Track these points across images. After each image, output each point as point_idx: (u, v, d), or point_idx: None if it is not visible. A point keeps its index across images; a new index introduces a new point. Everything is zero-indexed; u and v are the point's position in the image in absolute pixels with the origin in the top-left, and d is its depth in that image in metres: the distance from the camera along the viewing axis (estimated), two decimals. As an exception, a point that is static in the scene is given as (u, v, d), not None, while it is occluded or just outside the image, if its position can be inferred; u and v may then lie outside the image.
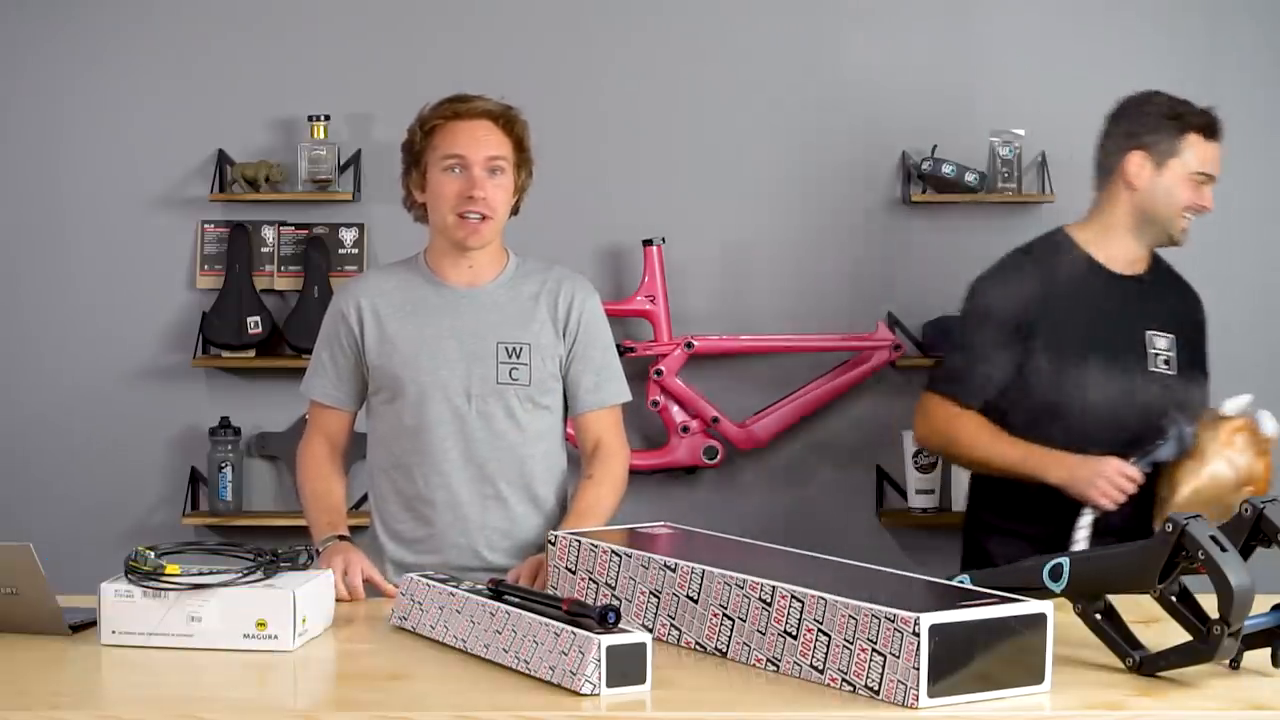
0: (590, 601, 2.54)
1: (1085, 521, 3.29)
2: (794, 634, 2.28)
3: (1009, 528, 3.45)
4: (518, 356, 3.13)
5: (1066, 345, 3.38)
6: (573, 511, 3.11)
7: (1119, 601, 2.38)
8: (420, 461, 3.12)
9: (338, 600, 2.75)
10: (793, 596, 2.29)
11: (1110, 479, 3.27)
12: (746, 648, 2.36)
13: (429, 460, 3.12)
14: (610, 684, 2.19)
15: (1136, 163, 3.41)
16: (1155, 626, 2.38)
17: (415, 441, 3.12)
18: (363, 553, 3.04)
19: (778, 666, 2.31)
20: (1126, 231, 3.45)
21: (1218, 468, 3.26)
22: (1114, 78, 4.69)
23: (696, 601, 2.44)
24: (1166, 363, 3.42)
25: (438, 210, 3.11)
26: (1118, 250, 3.46)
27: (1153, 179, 3.41)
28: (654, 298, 4.61)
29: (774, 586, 2.32)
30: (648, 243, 4.61)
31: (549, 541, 2.72)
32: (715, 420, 4.63)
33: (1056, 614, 2.23)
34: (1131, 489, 3.28)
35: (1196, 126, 3.41)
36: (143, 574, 2.46)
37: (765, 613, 2.33)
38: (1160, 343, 3.42)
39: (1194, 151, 3.40)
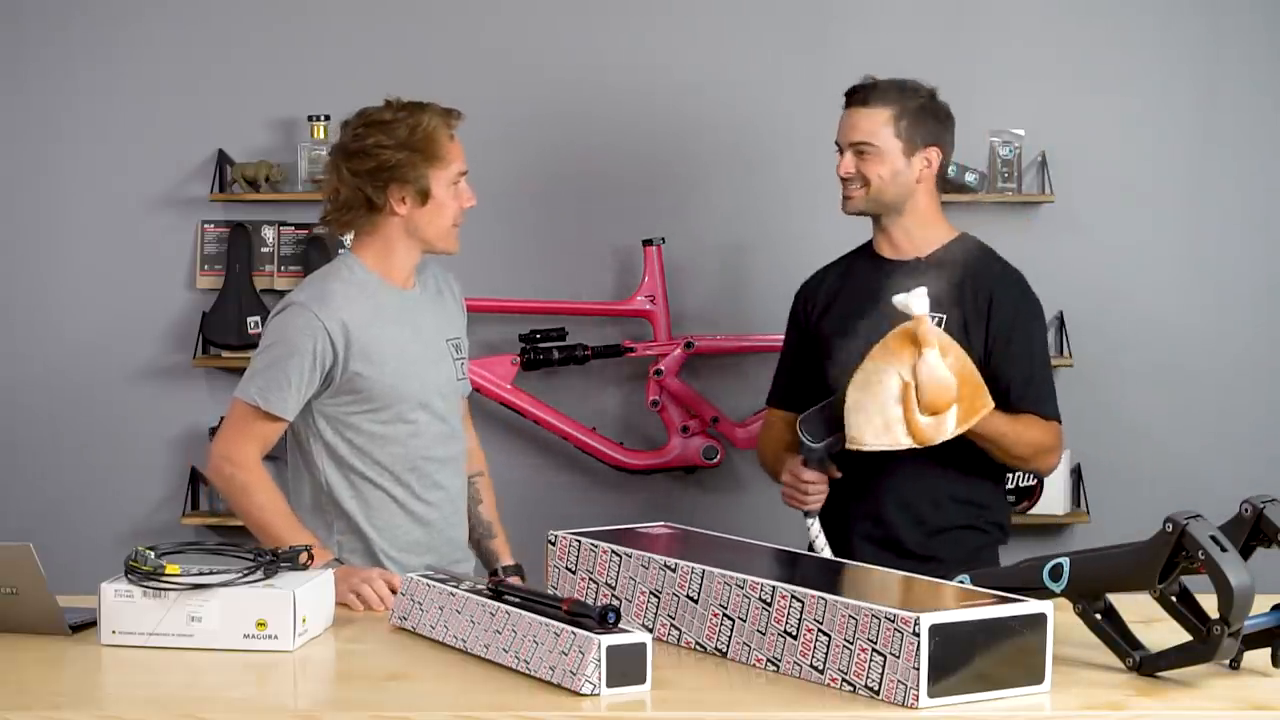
0: (590, 601, 2.53)
1: (810, 524, 3.24)
2: (794, 634, 2.28)
3: None
4: (460, 351, 3.26)
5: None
6: (495, 517, 3.37)
7: (1119, 601, 2.38)
8: (414, 466, 3.15)
9: (369, 609, 2.82)
10: (793, 596, 2.29)
11: (789, 483, 3.26)
12: (746, 648, 2.36)
13: (423, 464, 3.15)
14: (610, 684, 2.19)
15: None
16: (1155, 626, 2.38)
17: (407, 448, 3.13)
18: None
19: (778, 666, 2.31)
20: None
21: (884, 379, 3.01)
22: (1114, 78, 4.72)
23: (696, 601, 2.44)
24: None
25: (439, 224, 3.14)
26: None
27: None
28: (654, 298, 4.62)
29: (774, 586, 2.32)
30: (648, 243, 4.61)
31: (549, 541, 2.72)
32: (715, 420, 4.63)
33: (1056, 614, 2.23)
34: (811, 487, 3.20)
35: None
36: (143, 574, 2.46)
37: (765, 613, 2.33)
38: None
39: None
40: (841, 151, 3.31)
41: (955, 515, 3.28)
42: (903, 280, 3.19)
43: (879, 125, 3.27)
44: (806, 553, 2.65)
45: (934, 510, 3.27)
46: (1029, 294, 3.34)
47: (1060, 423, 3.30)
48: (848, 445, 3.08)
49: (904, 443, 3.02)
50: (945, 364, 2.99)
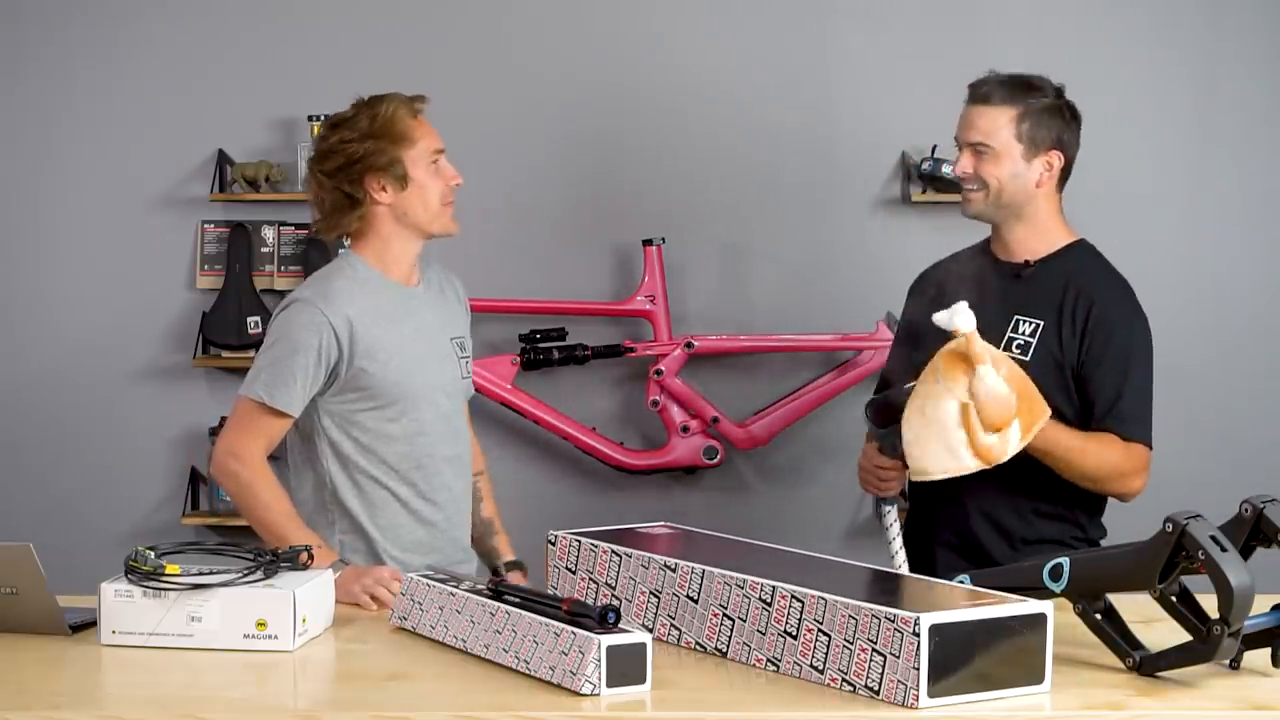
0: (590, 601, 2.53)
1: (886, 510, 3.14)
2: (794, 634, 2.28)
3: None
4: (464, 350, 3.26)
5: None
6: (495, 514, 3.37)
7: (1119, 601, 2.38)
8: (419, 465, 3.14)
9: (381, 606, 2.81)
10: (793, 596, 2.29)
11: (865, 468, 3.18)
12: (746, 648, 2.36)
13: (428, 463, 3.15)
14: (610, 684, 2.19)
15: None
16: (1155, 626, 2.38)
17: (412, 446, 3.13)
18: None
19: (778, 666, 2.31)
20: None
21: (940, 404, 2.89)
22: (1112, 78, 4.72)
23: (696, 601, 2.44)
24: (1021, 348, 3.13)
25: (426, 205, 3.13)
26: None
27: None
28: (654, 298, 4.62)
29: (774, 586, 2.32)
30: (648, 243, 4.61)
31: (549, 541, 2.72)
32: (715, 420, 4.63)
33: (1056, 614, 2.23)
34: (885, 473, 3.12)
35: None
36: (143, 574, 2.46)
37: (765, 613, 2.33)
38: (1024, 328, 3.17)
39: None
40: (960, 149, 3.18)
41: (1042, 529, 3.13)
42: (1006, 282, 3.13)
43: (999, 125, 3.11)
44: (807, 554, 2.63)
45: (1018, 522, 3.13)
46: (1134, 310, 3.16)
47: (1149, 448, 3.08)
48: (912, 478, 2.96)
49: (970, 465, 2.87)
50: (1000, 376, 2.84)
